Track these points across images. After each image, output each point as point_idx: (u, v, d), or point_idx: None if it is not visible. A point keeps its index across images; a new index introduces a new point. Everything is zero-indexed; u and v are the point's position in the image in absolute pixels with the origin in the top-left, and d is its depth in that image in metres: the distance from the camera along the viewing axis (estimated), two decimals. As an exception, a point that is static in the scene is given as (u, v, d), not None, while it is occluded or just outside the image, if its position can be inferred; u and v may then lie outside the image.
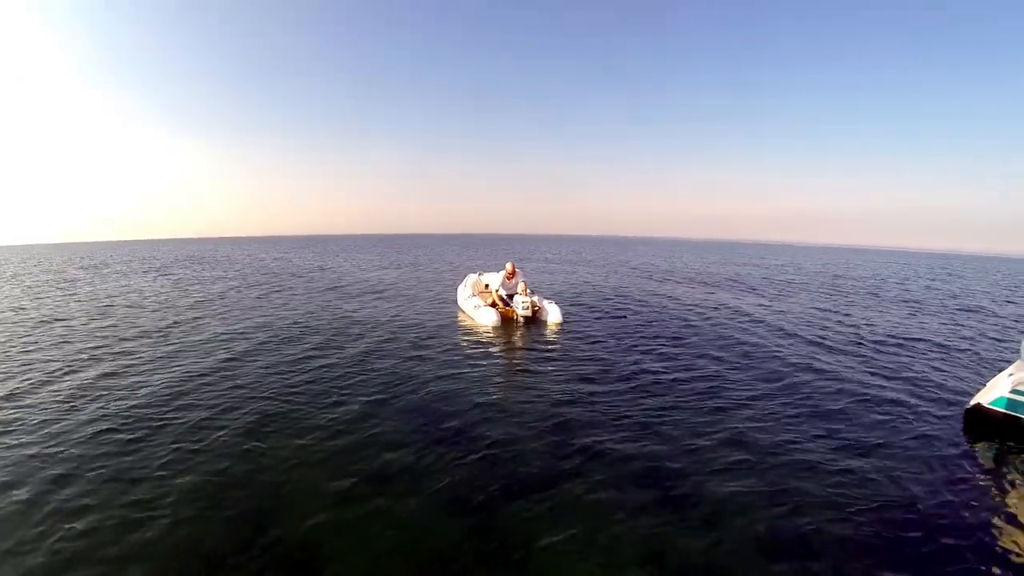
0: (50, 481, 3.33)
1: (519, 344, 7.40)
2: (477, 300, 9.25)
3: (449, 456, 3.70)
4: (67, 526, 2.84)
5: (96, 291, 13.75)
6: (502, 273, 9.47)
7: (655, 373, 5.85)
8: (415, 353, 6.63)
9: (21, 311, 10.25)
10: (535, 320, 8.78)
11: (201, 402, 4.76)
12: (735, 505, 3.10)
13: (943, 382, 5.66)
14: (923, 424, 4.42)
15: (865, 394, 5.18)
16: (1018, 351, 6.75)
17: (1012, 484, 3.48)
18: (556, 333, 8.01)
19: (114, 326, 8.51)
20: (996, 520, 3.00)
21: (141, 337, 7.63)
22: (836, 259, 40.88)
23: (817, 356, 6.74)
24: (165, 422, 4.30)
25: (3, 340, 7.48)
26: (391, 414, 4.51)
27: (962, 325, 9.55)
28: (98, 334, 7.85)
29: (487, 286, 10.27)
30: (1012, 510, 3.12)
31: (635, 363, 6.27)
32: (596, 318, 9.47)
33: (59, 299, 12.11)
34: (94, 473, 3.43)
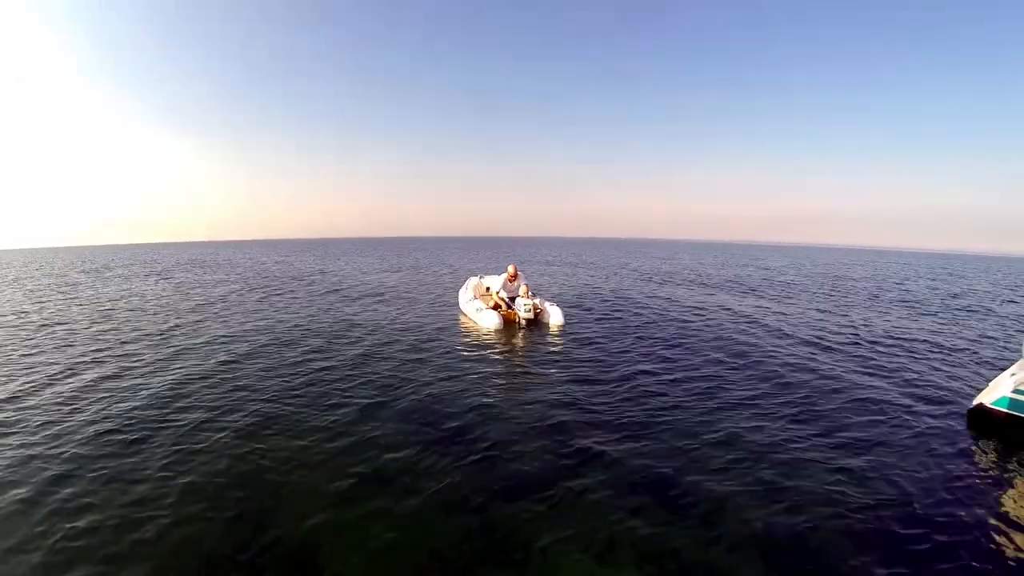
0: (52, 481, 3.35)
1: (520, 346, 7.40)
2: (479, 303, 9.26)
3: (449, 457, 3.70)
4: (68, 525, 2.85)
5: (98, 295, 13.79)
6: (504, 276, 9.49)
7: (655, 374, 5.85)
8: (416, 355, 6.64)
9: (23, 315, 10.28)
10: (537, 322, 8.79)
11: (202, 404, 4.78)
12: (734, 504, 3.10)
13: (944, 382, 5.65)
14: (924, 424, 4.41)
15: (865, 394, 5.17)
16: (1020, 351, 6.74)
17: (1014, 484, 3.47)
18: (558, 335, 8.02)
19: (115, 329, 8.54)
20: (997, 519, 2.99)
21: (142, 340, 7.66)
22: (836, 259, 40.85)
23: (816, 357, 6.73)
24: (166, 423, 4.31)
25: (6, 343, 7.50)
26: (391, 416, 4.52)
27: (963, 325, 9.53)
28: (100, 337, 7.88)
29: (488, 289, 10.29)
30: (1013, 509, 3.11)
31: (635, 364, 6.27)
32: (597, 320, 9.48)
33: (61, 303, 12.15)
34: (95, 473, 3.45)
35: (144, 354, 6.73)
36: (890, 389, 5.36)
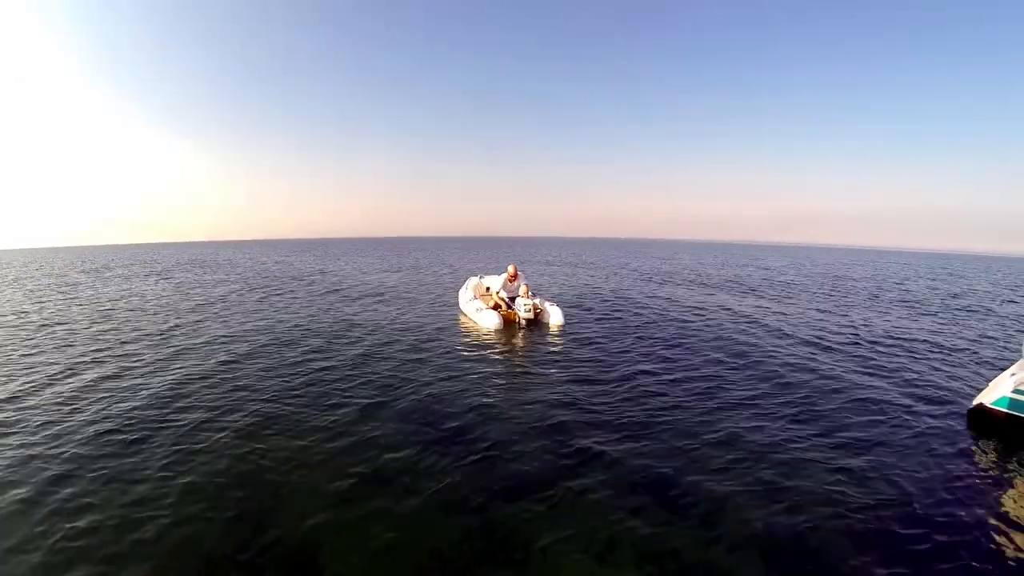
0: (52, 481, 3.35)
1: (521, 346, 7.40)
2: (479, 303, 9.26)
3: (449, 457, 3.70)
4: (68, 525, 2.85)
5: (98, 295, 13.79)
6: (504, 276, 9.49)
7: (655, 374, 5.85)
8: (416, 355, 6.64)
9: (23, 315, 10.28)
10: (537, 322, 8.79)
11: (202, 404, 4.78)
12: (734, 504, 3.10)
13: (944, 382, 5.64)
14: (924, 424, 4.41)
15: (865, 394, 5.17)
16: (1020, 351, 6.74)
17: (1014, 484, 3.47)
18: (558, 335, 8.02)
19: (115, 329, 8.54)
20: (997, 519, 2.99)
21: (142, 340, 7.66)
22: (836, 259, 40.84)
23: (816, 357, 6.73)
24: (166, 423, 4.31)
25: (6, 343, 7.50)
26: (391, 416, 4.52)
27: (963, 325, 9.53)
28: (100, 337, 7.88)
29: (488, 289, 10.29)
30: (1013, 509, 3.11)
31: (635, 364, 6.27)
32: (597, 320, 9.48)
33: (61, 303, 12.14)
34: (95, 473, 3.45)
35: (144, 354, 6.73)
36: (890, 389, 5.36)
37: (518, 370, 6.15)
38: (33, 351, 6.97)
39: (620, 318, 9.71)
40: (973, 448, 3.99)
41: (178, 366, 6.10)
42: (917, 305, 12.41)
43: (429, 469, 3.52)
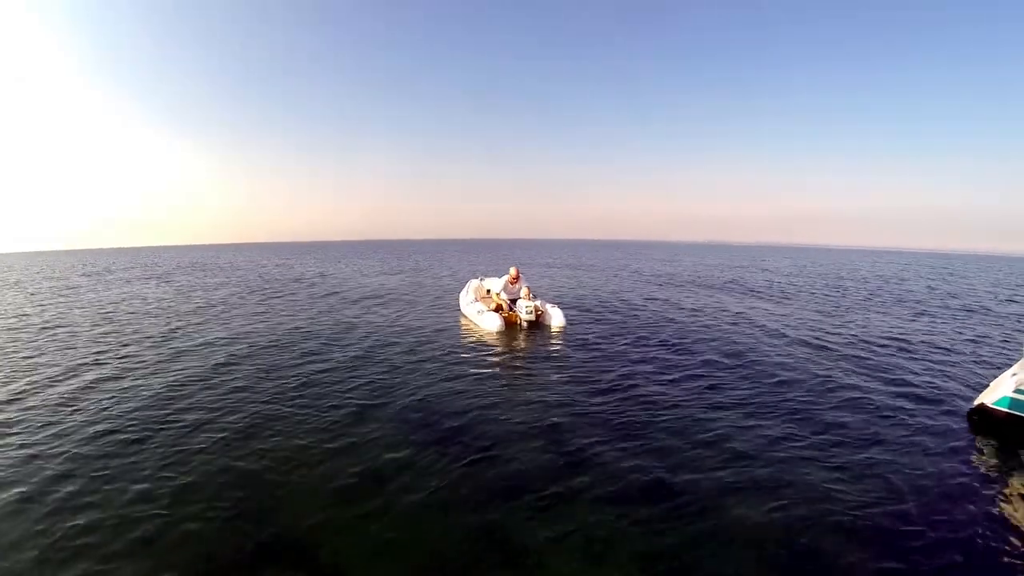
0: (52, 480, 3.36)
1: (522, 348, 7.40)
2: (480, 305, 9.26)
3: (448, 457, 3.70)
4: (69, 523, 2.86)
5: (99, 297, 13.82)
6: (505, 278, 9.50)
7: (655, 375, 5.86)
8: (416, 357, 6.65)
9: (25, 317, 10.30)
10: (538, 324, 8.79)
11: (202, 404, 4.79)
12: (731, 503, 3.10)
13: (944, 382, 5.64)
14: (925, 424, 4.41)
15: (865, 394, 5.17)
16: (1020, 351, 6.74)
17: (1015, 483, 3.46)
18: (559, 337, 8.02)
19: (116, 331, 8.56)
20: (998, 519, 2.99)
21: (143, 341, 7.67)
22: (836, 260, 40.83)
23: (817, 358, 6.73)
24: (166, 424, 4.32)
25: (8, 345, 7.52)
26: (391, 416, 4.53)
27: (964, 325, 9.53)
28: (100, 339, 7.90)
29: (489, 291, 10.30)
30: (1014, 509, 3.11)
31: (635, 365, 6.28)
32: (598, 321, 9.49)
33: (62, 305, 12.17)
34: (96, 472, 3.46)
35: (145, 355, 6.75)
36: (890, 389, 5.36)
37: (519, 371, 6.16)
38: (35, 353, 7.00)
39: (620, 320, 9.72)
40: (974, 448, 3.99)
41: (178, 367, 6.11)
42: (917, 305, 12.41)
43: (429, 469, 3.52)
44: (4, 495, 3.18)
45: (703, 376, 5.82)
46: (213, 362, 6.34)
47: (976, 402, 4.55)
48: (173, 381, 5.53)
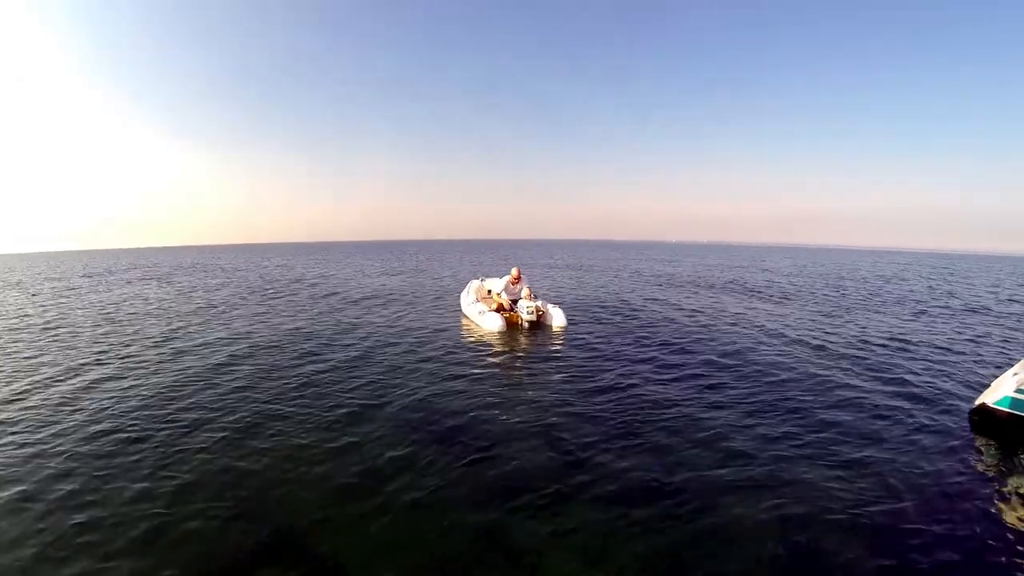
0: (53, 478, 3.37)
1: (523, 348, 7.40)
2: (481, 305, 9.27)
3: (449, 456, 3.70)
4: (69, 521, 2.87)
5: (100, 298, 13.84)
6: (506, 278, 9.51)
7: (655, 374, 5.86)
8: (417, 357, 6.66)
9: (26, 318, 10.32)
10: (539, 324, 8.80)
11: (203, 404, 4.80)
12: (733, 503, 3.09)
13: (945, 382, 5.64)
14: (926, 424, 4.40)
15: (866, 394, 5.16)
16: (1022, 350, 6.74)
17: (1016, 483, 3.46)
18: (560, 337, 8.03)
19: (117, 331, 8.57)
20: (997, 518, 2.99)
21: (144, 341, 7.69)
22: (837, 260, 40.82)
23: (817, 357, 6.73)
24: (167, 423, 4.33)
25: (9, 345, 7.54)
26: (392, 416, 4.53)
27: (966, 325, 9.52)
28: (102, 339, 7.91)
29: (490, 291, 10.31)
30: (1014, 508, 3.11)
31: (636, 365, 6.28)
32: (599, 322, 9.49)
33: (63, 306, 12.20)
34: (96, 471, 3.47)
35: (146, 356, 6.76)
36: (890, 389, 5.35)
37: (520, 371, 6.16)
38: (37, 353, 7.01)
39: (620, 320, 9.72)
40: (975, 447, 3.98)
41: (179, 367, 6.12)
42: (917, 305, 12.40)
43: (429, 468, 3.52)
44: (5, 493, 3.19)
45: (703, 376, 5.82)
46: (214, 362, 6.35)
47: (977, 402, 4.55)
48: (174, 381, 5.54)
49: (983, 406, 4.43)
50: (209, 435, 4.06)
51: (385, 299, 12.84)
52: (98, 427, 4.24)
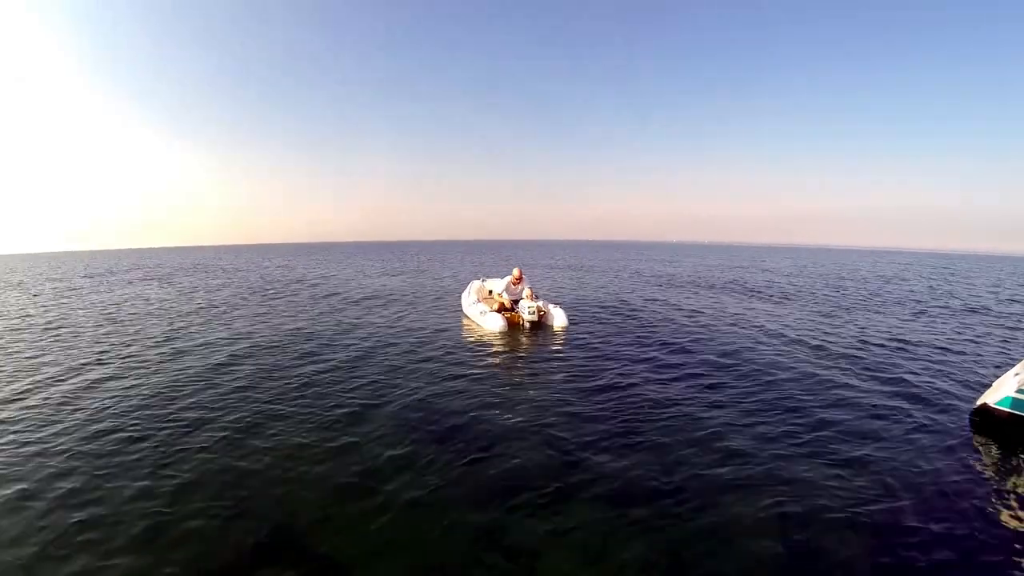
0: (54, 476, 3.38)
1: (524, 348, 7.40)
2: (482, 306, 9.28)
3: (450, 456, 3.70)
4: (69, 519, 2.88)
5: (101, 298, 13.87)
6: (508, 278, 9.52)
7: (656, 374, 5.86)
8: (418, 357, 6.66)
9: (28, 318, 10.34)
10: (541, 325, 8.81)
11: (203, 404, 4.80)
12: (732, 502, 3.09)
13: (946, 382, 5.63)
14: (927, 424, 4.40)
15: (866, 395, 5.16)
16: (1023, 350, 6.73)
17: (1016, 484, 3.46)
18: (561, 337, 8.03)
19: (118, 331, 8.59)
20: (997, 518, 2.98)
21: (145, 341, 7.70)
22: (837, 260, 40.79)
23: (817, 357, 6.73)
24: (167, 422, 4.34)
25: (10, 345, 7.55)
26: (393, 415, 4.53)
27: (966, 325, 9.51)
28: (103, 339, 7.93)
29: (491, 292, 10.32)
30: (1013, 508, 3.10)
31: (637, 365, 6.28)
32: (600, 322, 9.49)
33: (64, 306, 12.22)
34: (97, 470, 3.48)
35: (147, 355, 6.77)
36: (892, 389, 5.35)
37: (521, 371, 6.16)
38: (38, 353, 7.02)
39: (621, 320, 9.72)
40: (975, 447, 3.98)
41: (180, 367, 6.13)
42: (917, 305, 12.39)
43: (429, 467, 3.52)
44: (6, 491, 3.20)
45: (703, 375, 5.82)
46: (215, 362, 6.36)
47: (978, 402, 4.55)
48: (175, 380, 5.54)
49: (984, 406, 4.43)
50: (210, 434, 4.07)
51: (386, 299, 12.85)
52: (99, 426, 4.25)
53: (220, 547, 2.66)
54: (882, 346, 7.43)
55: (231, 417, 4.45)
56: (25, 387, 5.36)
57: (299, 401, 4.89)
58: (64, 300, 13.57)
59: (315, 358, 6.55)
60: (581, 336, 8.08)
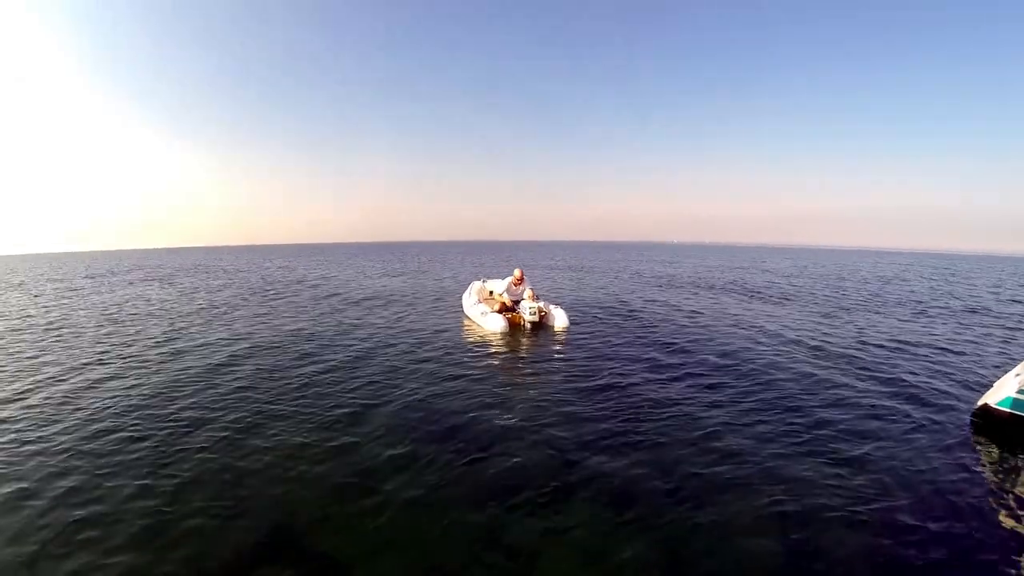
0: (54, 475, 3.39)
1: (525, 349, 7.40)
2: (483, 307, 9.28)
3: (450, 456, 3.71)
4: (69, 518, 2.88)
5: (102, 299, 13.89)
6: (509, 279, 9.52)
7: (656, 374, 5.86)
8: (418, 357, 6.67)
9: (29, 318, 10.36)
10: (541, 325, 8.81)
11: (204, 403, 4.81)
12: (731, 500, 3.10)
13: (946, 383, 5.62)
14: (926, 423, 4.40)
15: (867, 395, 5.16)
16: None
17: (1017, 484, 3.46)
18: (562, 338, 8.03)
19: (119, 332, 8.60)
20: (996, 518, 2.98)
21: (146, 341, 7.71)
22: (837, 260, 40.76)
23: (816, 358, 6.72)
24: (168, 422, 4.34)
25: (11, 345, 7.56)
26: (393, 415, 4.54)
27: (967, 325, 9.50)
28: (104, 339, 7.94)
29: (492, 293, 10.33)
30: (1013, 509, 3.10)
31: (637, 365, 6.28)
32: (600, 322, 9.49)
33: (65, 306, 12.23)
34: (97, 469, 3.48)
35: (147, 355, 6.78)
36: (891, 390, 5.34)
37: (521, 371, 6.17)
38: (39, 353, 7.04)
39: (621, 320, 9.73)
40: (975, 448, 3.98)
41: (181, 367, 6.14)
42: (918, 305, 12.38)
43: (429, 467, 3.53)
44: (7, 489, 3.21)
45: (702, 375, 5.82)
46: (215, 362, 6.37)
47: (979, 402, 4.54)
48: (175, 380, 5.56)
49: (985, 407, 4.43)
50: (210, 434, 4.08)
51: (386, 300, 12.85)
52: (99, 425, 4.26)
53: (220, 546, 2.67)
54: (882, 346, 7.43)
55: (231, 417, 4.46)
56: (26, 386, 5.37)
57: (299, 401, 4.89)
58: (65, 300, 13.59)
59: (315, 358, 6.55)
60: (582, 336, 8.09)
